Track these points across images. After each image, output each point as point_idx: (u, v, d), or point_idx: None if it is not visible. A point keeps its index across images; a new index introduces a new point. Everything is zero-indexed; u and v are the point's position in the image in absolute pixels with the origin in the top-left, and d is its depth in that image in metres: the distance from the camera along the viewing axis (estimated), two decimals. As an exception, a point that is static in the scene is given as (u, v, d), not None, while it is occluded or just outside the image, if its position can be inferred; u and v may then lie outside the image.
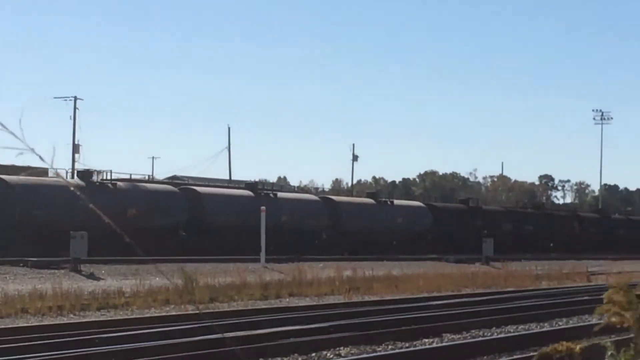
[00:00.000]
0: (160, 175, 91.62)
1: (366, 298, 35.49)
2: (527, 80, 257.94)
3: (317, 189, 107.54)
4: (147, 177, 79.60)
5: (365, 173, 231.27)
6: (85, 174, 60.46)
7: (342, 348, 21.32)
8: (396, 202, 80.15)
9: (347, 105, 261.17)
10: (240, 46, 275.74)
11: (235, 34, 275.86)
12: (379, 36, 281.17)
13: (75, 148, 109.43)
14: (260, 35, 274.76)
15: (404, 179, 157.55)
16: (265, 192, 68.82)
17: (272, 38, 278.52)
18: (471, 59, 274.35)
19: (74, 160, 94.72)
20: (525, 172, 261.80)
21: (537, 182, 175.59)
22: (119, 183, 61.35)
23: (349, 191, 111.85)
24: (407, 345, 22.00)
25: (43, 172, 59.41)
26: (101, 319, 26.74)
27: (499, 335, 23.88)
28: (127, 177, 68.70)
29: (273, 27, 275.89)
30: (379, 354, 20.26)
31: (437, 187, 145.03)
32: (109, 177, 62.14)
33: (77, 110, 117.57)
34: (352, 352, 20.97)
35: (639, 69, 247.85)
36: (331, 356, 20.40)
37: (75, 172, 67.88)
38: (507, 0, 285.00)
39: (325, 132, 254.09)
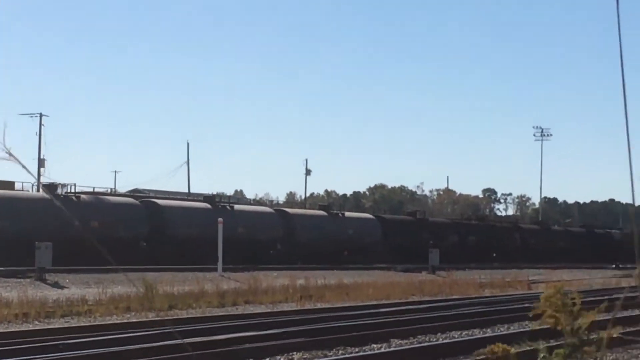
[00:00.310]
0: (122, 188, 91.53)
1: (318, 305, 35.85)
2: (471, 97, 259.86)
3: (272, 201, 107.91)
4: (109, 190, 79.56)
5: (317, 186, 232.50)
6: (51, 187, 60.83)
7: (294, 353, 21.26)
8: (347, 214, 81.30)
9: (302, 121, 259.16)
10: (200, 62, 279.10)
11: (194, 50, 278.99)
12: (329, 52, 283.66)
13: (41, 162, 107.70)
14: (218, 50, 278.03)
15: (354, 192, 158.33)
16: (222, 204, 69.23)
17: (229, 53, 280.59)
18: (418, 75, 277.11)
19: (39, 175, 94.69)
20: (470, 186, 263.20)
21: (480, 195, 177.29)
22: (82, 196, 61.62)
23: (302, 204, 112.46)
24: (356, 350, 22.13)
25: (9, 184, 59.13)
26: (65, 325, 26.73)
27: (444, 341, 24.03)
28: (90, 190, 68.41)
29: (230, 42, 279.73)
30: (330, 359, 20.48)
31: (386, 200, 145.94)
32: (73, 190, 61.70)
33: (42, 126, 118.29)
34: (305, 357, 21.00)
35: (577, 88, 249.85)
36: None
37: (41, 185, 67.83)
38: (455, 17, 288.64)
39: (280, 146, 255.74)
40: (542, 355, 4.61)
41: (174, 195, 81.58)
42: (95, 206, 59.08)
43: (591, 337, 5.04)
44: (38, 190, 64.37)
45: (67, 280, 42.67)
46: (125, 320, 28.27)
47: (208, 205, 67.50)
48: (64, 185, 61.80)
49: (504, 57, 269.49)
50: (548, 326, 4.96)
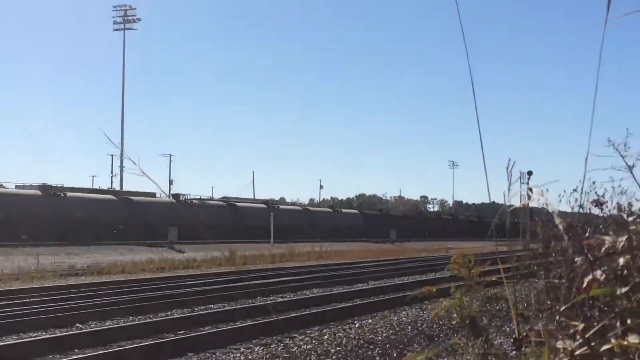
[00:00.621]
0: (217, 196, 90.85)
1: (328, 262, 38.83)
2: (404, 138, 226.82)
3: (301, 203, 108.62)
4: (209, 197, 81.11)
5: (326, 194, 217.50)
6: (175, 196, 67.33)
7: (314, 289, 22.22)
8: (344, 210, 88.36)
9: (315, 151, 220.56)
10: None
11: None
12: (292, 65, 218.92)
13: (171, 182, 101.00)
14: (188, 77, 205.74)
15: (347, 198, 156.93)
16: (272, 204, 74.00)
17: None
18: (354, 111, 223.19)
19: (170, 188, 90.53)
20: (412, 193, 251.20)
21: (419, 199, 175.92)
22: (194, 201, 68.22)
23: (318, 204, 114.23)
24: (348, 287, 22.92)
25: (151, 194, 65.28)
26: (184, 274, 29.11)
27: (398, 282, 24.36)
28: (198, 197, 71.87)
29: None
30: (334, 292, 20.92)
31: (366, 202, 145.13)
32: (189, 198, 69.00)
33: (171, 160, 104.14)
34: (319, 290, 21.73)
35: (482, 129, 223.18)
36: (307, 292, 21.20)
37: (170, 195, 70.01)
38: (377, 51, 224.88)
39: (303, 168, 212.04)
40: (452, 291, 4.95)
41: (246, 200, 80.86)
42: (200, 207, 65.11)
43: (479, 280, 4.94)
44: (169, 197, 65.60)
45: (186, 248, 45.38)
46: (218, 271, 30.39)
47: (264, 206, 71.56)
48: (183, 195, 63.72)
49: (424, 101, 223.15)
50: (456, 274, 5.32)
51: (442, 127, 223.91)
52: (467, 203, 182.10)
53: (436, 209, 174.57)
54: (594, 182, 2.71)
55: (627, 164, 2.49)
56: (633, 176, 2.68)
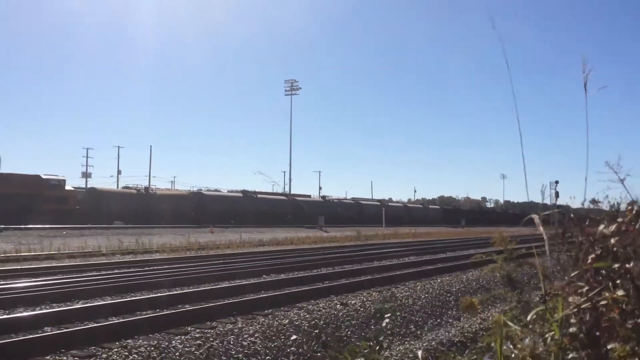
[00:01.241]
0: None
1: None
2: (470, 154, 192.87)
3: (402, 201, 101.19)
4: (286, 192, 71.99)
5: (418, 195, 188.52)
6: (323, 197, 67.20)
7: (411, 256, 20.60)
8: (430, 206, 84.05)
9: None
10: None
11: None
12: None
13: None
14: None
15: (432, 198, 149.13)
16: (385, 203, 67.89)
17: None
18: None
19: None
20: (475, 194, 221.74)
21: (480, 199, 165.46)
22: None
23: (413, 202, 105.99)
24: (433, 255, 20.98)
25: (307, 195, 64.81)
26: (328, 245, 27.73)
27: (466, 253, 20.69)
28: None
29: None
30: (423, 258, 19.23)
31: (444, 201, 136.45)
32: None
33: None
34: (414, 257, 19.73)
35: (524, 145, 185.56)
36: (406, 258, 19.38)
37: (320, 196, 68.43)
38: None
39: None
40: (495, 257, 4.30)
41: (366, 199, 78.30)
42: (339, 204, 64.89)
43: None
44: (319, 198, 64.04)
45: (329, 230, 42.51)
46: (349, 244, 28.65)
47: (379, 203, 71.46)
48: (328, 196, 64.86)
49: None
50: (497, 249, 4.63)
51: (494, 144, 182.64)
52: (513, 202, 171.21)
53: (491, 205, 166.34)
54: (597, 193, 2.56)
55: (619, 177, 2.61)
56: (624, 186, 2.67)
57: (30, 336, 6.56)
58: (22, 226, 30.54)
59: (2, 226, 28.16)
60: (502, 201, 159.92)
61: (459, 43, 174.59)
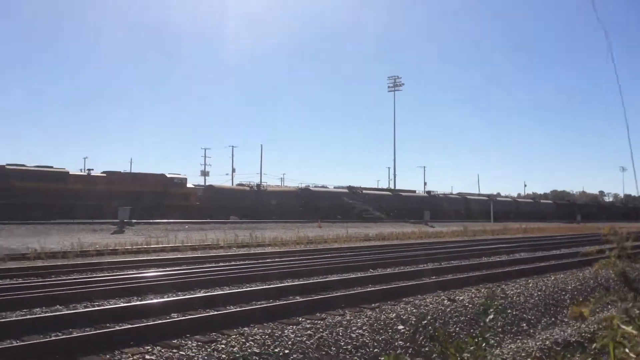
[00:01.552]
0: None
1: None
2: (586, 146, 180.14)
3: (512, 196, 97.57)
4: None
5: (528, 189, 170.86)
6: (428, 192, 66.27)
7: (522, 252, 19.65)
8: (542, 201, 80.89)
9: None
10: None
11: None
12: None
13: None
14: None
15: (544, 192, 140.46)
16: (493, 198, 69.59)
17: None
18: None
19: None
20: (592, 188, 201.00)
21: (597, 193, 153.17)
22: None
23: (523, 197, 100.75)
24: (546, 252, 19.72)
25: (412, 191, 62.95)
26: (434, 240, 26.51)
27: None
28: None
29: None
30: (536, 255, 18.42)
31: (557, 195, 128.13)
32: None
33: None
34: (525, 253, 18.98)
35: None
36: (517, 255, 18.40)
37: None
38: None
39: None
40: (608, 253, 3.94)
41: (473, 194, 74.97)
42: (444, 199, 61.78)
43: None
44: (424, 193, 62.69)
45: (435, 225, 40.72)
46: (456, 239, 28.09)
47: (486, 198, 68.57)
48: (433, 191, 62.83)
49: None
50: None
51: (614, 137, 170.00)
52: (635, 196, 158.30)
53: (610, 199, 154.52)
54: None
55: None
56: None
57: (159, 321, 7.07)
58: (151, 221, 32.18)
59: (134, 221, 30.10)
60: (622, 195, 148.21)
61: (589, 35, 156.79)
